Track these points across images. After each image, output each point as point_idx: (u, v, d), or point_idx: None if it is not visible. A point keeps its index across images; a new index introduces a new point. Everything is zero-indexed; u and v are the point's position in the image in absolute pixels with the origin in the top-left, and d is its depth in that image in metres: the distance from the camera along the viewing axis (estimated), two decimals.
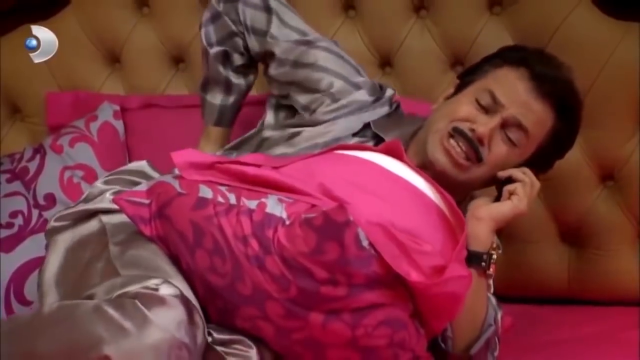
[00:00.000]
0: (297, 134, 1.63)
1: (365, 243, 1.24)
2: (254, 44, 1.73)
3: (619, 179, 1.96)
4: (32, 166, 1.98)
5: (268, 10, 1.72)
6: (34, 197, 1.93)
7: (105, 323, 1.19)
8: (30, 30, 2.12)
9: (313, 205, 1.30)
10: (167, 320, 1.20)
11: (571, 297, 2.01)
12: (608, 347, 1.71)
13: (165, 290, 1.23)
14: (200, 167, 1.41)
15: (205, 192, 1.34)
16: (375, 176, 1.42)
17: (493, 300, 1.51)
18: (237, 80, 1.78)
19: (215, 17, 1.75)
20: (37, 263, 1.64)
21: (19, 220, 1.89)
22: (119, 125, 2.06)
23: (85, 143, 2.01)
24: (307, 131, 1.62)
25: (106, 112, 2.07)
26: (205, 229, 1.30)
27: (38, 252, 1.74)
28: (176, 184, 1.37)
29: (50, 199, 1.93)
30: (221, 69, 1.76)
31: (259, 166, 1.41)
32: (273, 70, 1.72)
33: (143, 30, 2.17)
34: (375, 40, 2.07)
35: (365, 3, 2.07)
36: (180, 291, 1.25)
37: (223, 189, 1.35)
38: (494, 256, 1.45)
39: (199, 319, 1.26)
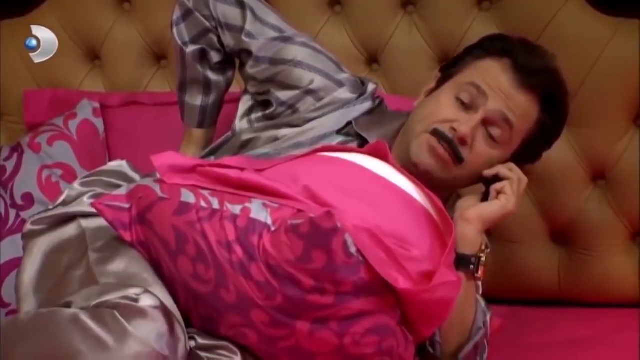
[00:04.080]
0: (281, 136, 1.59)
1: (353, 249, 1.21)
2: (229, 40, 1.68)
3: (610, 178, 1.95)
4: (10, 165, 1.95)
5: (241, 5, 1.66)
6: (12, 196, 1.90)
7: (83, 335, 1.16)
8: (11, 29, 2.11)
9: (299, 210, 1.28)
10: (147, 333, 1.17)
11: (562, 298, 2.00)
12: (602, 350, 1.71)
13: (145, 301, 1.20)
14: (182, 170, 1.38)
15: (188, 196, 1.31)
16: (361, 179, 1.39)
17: (482, 302, 1.49)
18: (216, 77, 1.72)
19: (187, 14, 1.69)
20: (15, 264, 1.64)
21: None
22: (98, 123, 2.04)
23: (64, 141, 1.99)
24: (290, 132, 1.59)
25: (85, 110, 2.04)
26: (188, 235, 1.27)
27: (16, 253, 1.73)
28: (157, 188, 1.34)
29: (28, 199, 1.90)
30: (199, 68, 1.71)
31: (242, 169, 1.39)
32: (250, 68, 1.66)
33: (124, 26, 2.15)
34: (362, 36, 2.05)
35: None
36: (161, 301, 1.22)
37: (206, 193, 1.32)
38: (483, 258, 1.44)
39: (179, 330, 1.23)
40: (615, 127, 1.93)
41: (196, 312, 1.31)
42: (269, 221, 1.26)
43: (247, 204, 1.29)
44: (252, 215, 1.27)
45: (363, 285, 1.23)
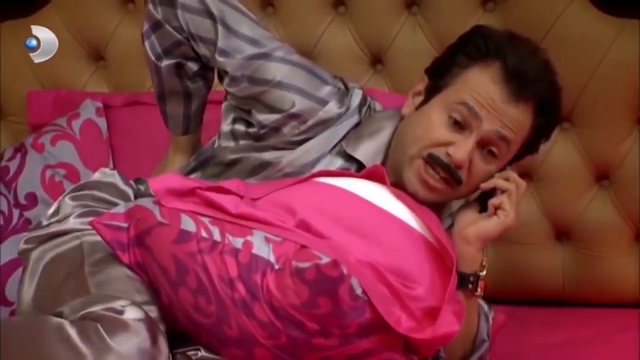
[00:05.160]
0: (267, 160, 1.53)
1: (359, 291, 1.20)
2: (203, 51, 1.58)
3: (614, 179, 1.95)
4: (13, 165, 1.95)
5: (210, 15, 1.55)
6: (15, 196, 1.91)
7: (65, 346, 1.18)
8: (14, 30, 2.11)
9: (302, 246, 1.25)
10: (128, 347, 1.18)
11: (566, 299, 1.99)
12: (603, 350, 1.71)
13: (130, 314, 1.21)
14: (180, 193, 1.34)
15: (188, 223, 1.29)
16: (359, 210, 1.35)
17: (485, 306, 1.48)
18: (195, 85, 1.64)
19: (156, 27, 1.58)
20: (19, 263, 1.63)
21: None
22: (101, 122, 2.03)
23: (67, 141, 1.98)
24: (278, 157, 1.52)
25: (89, 110, 2.04)
26: (189, 266, 1.27)
27: None
28: (157, 211, 1.32)
29: (32, 199, 1.90)
30: (177, 80, 1.62)
31: (240, 196, 1.35)
32: (228, 86, 1.57)
33: (128, 27, 2.13)
34: (366, 37, 2.04)
35: None
36: (146, 314, 1.23)
37: (206, 220, 1.30)
38: (483, 274, 1.41)
39: (163, 344, 1.23)
40: (618, 128, 1.92)
41: (197, 337, 1.32)
42: (272, 258, 1.24)
43: (248, 237, 1.27)
44: (254, 250, 1.25)
45: (368, 324, 1.23)
